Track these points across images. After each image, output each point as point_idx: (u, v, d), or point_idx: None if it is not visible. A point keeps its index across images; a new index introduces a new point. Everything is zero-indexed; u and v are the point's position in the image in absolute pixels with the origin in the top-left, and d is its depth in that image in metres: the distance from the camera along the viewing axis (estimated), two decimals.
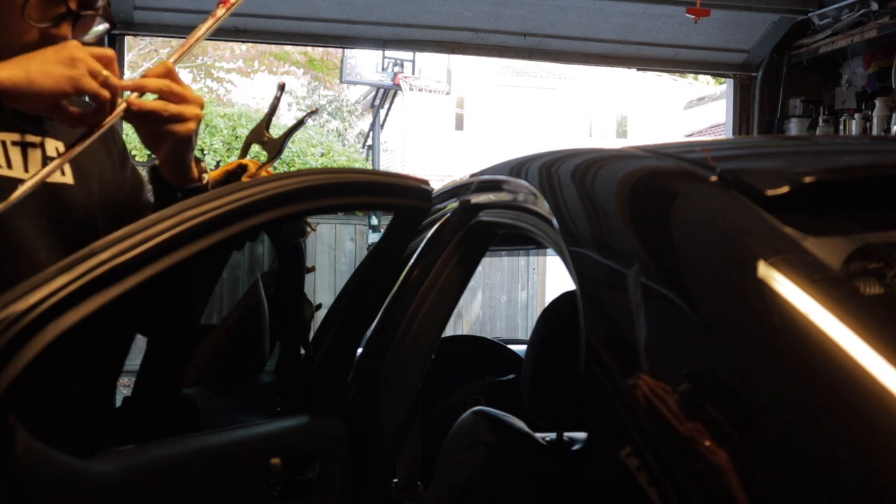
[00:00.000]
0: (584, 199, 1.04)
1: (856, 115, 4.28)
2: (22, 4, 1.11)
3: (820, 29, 4.34)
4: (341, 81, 9.98)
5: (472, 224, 1.34)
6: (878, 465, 0.60)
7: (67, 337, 0.94)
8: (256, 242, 1.69)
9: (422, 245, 1.43)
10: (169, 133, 1.12)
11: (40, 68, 1.03)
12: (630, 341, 0.81)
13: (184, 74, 13.37)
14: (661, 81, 17.23)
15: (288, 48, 11.99)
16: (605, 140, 17.48)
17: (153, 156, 1.19)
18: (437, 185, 1.45)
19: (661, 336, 0.79)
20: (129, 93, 1.11)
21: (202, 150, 9.77)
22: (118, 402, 1.46)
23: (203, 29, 1.21)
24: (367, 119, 13.03)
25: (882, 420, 0.61)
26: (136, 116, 1.11)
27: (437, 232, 1.41)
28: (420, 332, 1.37)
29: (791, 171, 0.86)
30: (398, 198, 1.32)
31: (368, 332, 1.46)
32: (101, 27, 1.24)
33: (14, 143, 1.14)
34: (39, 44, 1.12)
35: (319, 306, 1.69)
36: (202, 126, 11.01)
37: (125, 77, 1.33)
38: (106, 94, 1.06)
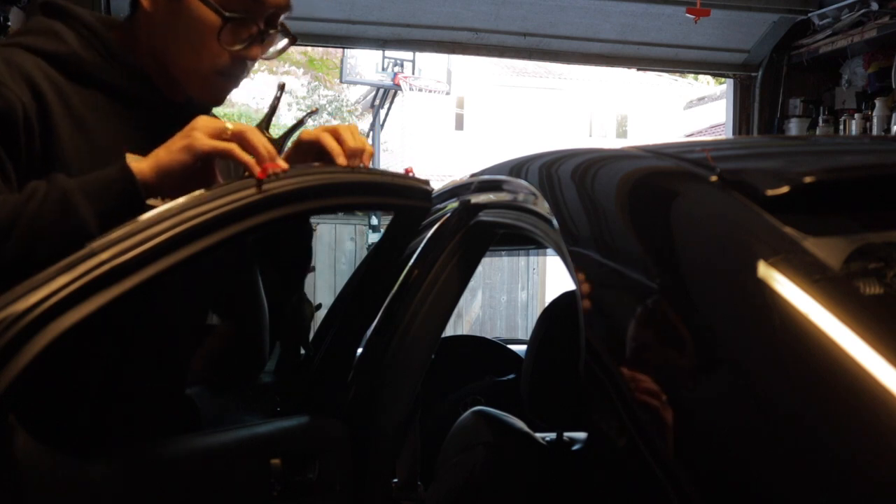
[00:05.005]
0: (584, 199, 1.04)
1: (856, 115, 4.28)
2: (219, 29, 1.15)
3: (820, 29, 4.34)
4: (341, 81, 9.98)
5: (472, 224, 1.34)
6: (879, 465, 0.60)
7: (67, 337, 0.94)
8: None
9: (422, 245, 1.43)
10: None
11: (164, 150, 1.06)
12: (630, 341, 0.81)
13: None
14: (661, 81, 17.23)
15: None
16: (605, 140, 17.47)
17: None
18: (437, 185, 1.45)
19: (661, 336, 0.79)
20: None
21: None
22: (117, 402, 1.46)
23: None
24: (367, 119, 13.02)
25: (882, 420, 0.61)
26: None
27: (437, 232, 1.41)
28: (420, 332, 1.37)
29: (791, 171, 0.86)
30: (398, 198, 1.32)
31: (368, 332, 1.46)
32: (281, 44, 1.27)
33: None
34: (231, 66, 1.19)
35: (319, 306, 1.68)
36: None
37: None
38: (226, 146, 1.06)
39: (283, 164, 1.09)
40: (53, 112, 1.10)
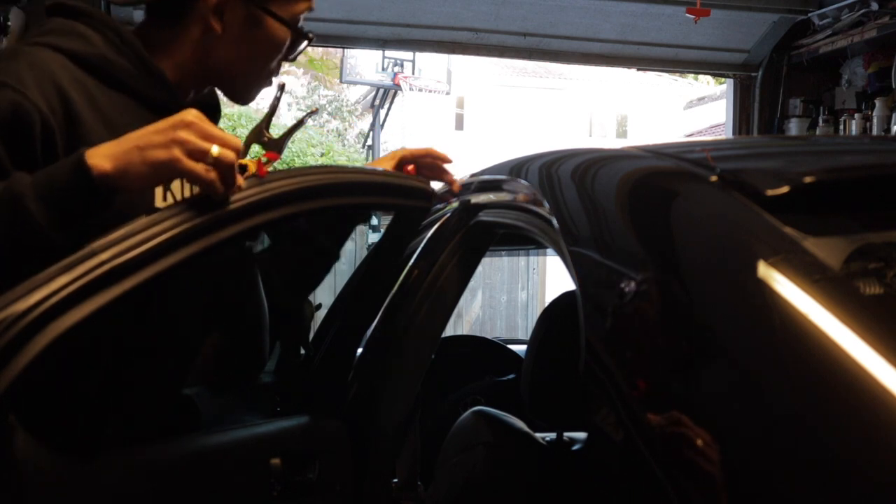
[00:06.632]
0: (584, 199, 1.04)
1: (856, 115, 4.28)
2: (289, 42, 1.28)
3: (820, 29, 4.34)
4: (341, 81, 9.98)
5: (472, 224, 1.34)
6: (879, 465, 0.60)
7: (67, 337, 0.94)
8: (256, 242, 1.69)
9: (422, 245, 1.43)
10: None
11: (139, 154, 0.98)
12: (630, 341, 0.81)
13: None
14: (661, 81, 17.25)
15: None
16: (605, 140, 17.48)
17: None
18: (437, 185, 1.45)
19: (661, 336, 0.79)
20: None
21: None
22: (118, 402, 1.46)
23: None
24: (367, 119, 13.02)
25: (882, 420, 0.61)
26: None
27: (437, 232, 1.41)
28: (420, 332, 1.37)
29: (791, 171, 0.86)
30: (398, 198, 1.32)
31: (368, 332, 1.46)
32: (302, 44, 1.33)
33: None
34: (276, 70, 1.31)
35: (319, 306, 1.68)
36: None
37: None
38: (209, 177, 1.00)
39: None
40: (83, 117, 1.09)
